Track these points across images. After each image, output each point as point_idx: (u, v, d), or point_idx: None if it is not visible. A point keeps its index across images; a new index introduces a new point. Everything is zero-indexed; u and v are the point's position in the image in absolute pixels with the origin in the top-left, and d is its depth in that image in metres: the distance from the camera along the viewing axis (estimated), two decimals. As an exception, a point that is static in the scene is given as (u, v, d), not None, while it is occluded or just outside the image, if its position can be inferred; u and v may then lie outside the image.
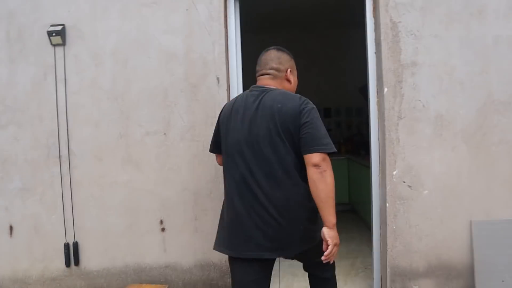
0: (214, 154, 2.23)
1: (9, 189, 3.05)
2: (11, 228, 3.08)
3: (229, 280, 2.86)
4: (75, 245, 2.98)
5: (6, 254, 3.09)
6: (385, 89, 2.75)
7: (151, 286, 2.78)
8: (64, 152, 3.00)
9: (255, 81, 2.11)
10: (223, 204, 2.06)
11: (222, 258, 2.87)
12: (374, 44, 2.87)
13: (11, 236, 3.07)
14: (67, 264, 3.00)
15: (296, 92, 2.07)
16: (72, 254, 2.99)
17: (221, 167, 2.06)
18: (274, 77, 1.99)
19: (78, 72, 3.01)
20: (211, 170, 2.86)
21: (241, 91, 3.05)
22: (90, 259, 2.99)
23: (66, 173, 2.99)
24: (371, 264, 3.00)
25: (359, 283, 3.32)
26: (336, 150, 1.83)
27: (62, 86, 3.01)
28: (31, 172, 3.04)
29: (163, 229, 2.93)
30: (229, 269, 1.99)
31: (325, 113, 6.74)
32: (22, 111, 3.05)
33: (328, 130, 1.95)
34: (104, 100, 2.99)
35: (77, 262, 2.99)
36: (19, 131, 3.06)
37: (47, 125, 3.02)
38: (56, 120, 3.00)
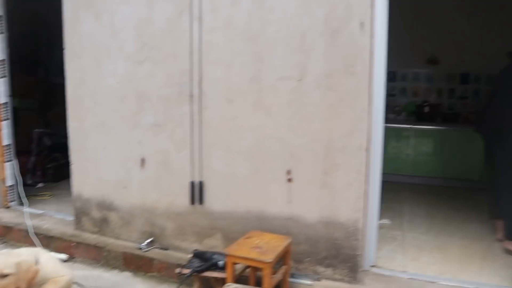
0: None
1: (143, 124, 3.65)
2: (143, 160, 3.71)
3: (354, 242, 3.15)
4: (201, 184, 3.51)
5: (138, 185, 3.76)
6: None
7: (274, 236, 3.20)
8: (196, 91, 3.45)
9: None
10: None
11: (350, 218, 3.15)
12: None
13: (142, 168, 3.71)
14: (192, 201, 3.55)
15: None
16: (197, 192, 3.53)
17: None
18: None
19: (213, 10, 3.37)
20: (347, 123, 3.08)
21: (385, 39, 3.15)
22: (214, 200, 3.50)
23: (197, 113, 3.46)
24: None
25: (497, 271, 3.40)
26: None
27: (197, 24, 3.40)
28: (163, 109, 3.57)
29: (289, 180, 3.29)
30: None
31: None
32: (157, 48, 3.54)
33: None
34: (237, 40, 3.32)
35: (201, 201, 3.52)
36: (154, 68, 3.58)
37: (180, 64, 3.49)
38: (189, 59, 3.43)
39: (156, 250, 3.83)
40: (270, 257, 2.79)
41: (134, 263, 3.75)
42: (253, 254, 2.83)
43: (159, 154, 3.65)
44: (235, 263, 2.90)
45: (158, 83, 3.59)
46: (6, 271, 1.78)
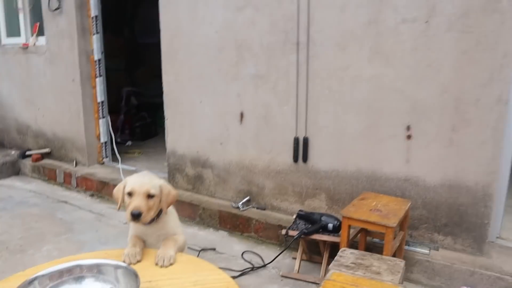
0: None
1: (243, 75, 3.61)
2: (241, 115, 3.69)
3: (482, 210, 2.91)
4: (305, 140, 3.41)
5: (236, 140, 3.76)
6: None
7: (391, 199, 3.05)
8: (303, 38, 3.33)
9: None
10: None
11: (479, 182, 2.91)
12: None
13: (241, 123, 3.70)
14: (295, 159, 3.48)
15: None
16: (301, 149, 3.45)
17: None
18: None
19: None
20: (484, 72, 2.80)
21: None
22: (319, 158, 3.41)
23: (303, 62, 3.34)
24: None
25: None
26: None
27: (306, -39, 3.23)
28: (266, 58, 3.49)
29: (408, 137, 3.09)
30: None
31: None
32: (260, -9, 3.44)
33: None
34: (353, -22, 3.11)
35: (305, 159, 3.44)
36: (256, 14, 3.49)
37: (285, 8, 3.36)
38: (296, 2, 3.29)
39: (253, 209, 3.85)
40: (393, 221, 2.66)
41: (230, 222, 3.80)
42: (373, 217, 2.72)
43: (260, 108, 3.61)
44: (350, 227, 2.80)
45: (260, 31, 3.51)
46: (152, 191, 1.85)
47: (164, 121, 4.22)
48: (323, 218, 3.11)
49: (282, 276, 3.17)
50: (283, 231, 3.12)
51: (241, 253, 3.50)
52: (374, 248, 3.23)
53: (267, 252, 3.51)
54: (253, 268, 3.25)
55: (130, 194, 1.82)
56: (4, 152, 5.70)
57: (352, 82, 3.23)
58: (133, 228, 2.03)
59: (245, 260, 3.38)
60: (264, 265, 3.29)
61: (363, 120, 3.24)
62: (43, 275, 1.39)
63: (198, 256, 3.41)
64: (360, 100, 3.22)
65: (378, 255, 2.62)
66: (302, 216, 3.22)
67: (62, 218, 4.11)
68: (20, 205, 4.44)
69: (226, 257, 3.45)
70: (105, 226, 3.99)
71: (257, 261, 3.39)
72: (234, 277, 3.10)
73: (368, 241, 3.30)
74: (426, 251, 3.18)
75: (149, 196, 1.81)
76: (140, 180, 1.84)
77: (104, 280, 1.49)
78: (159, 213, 1.99)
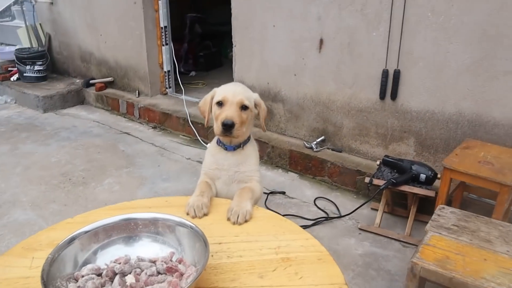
0: None
1: (325, -6, 3.03)
2: (321, 41, 3.17)
3: None
4: (396, 74, 2.87)
5: (312, 72, 3.28)
6: None
7: (503, 149, 2.53)
8: None
9: None
10: None
11: None
12: None
13: (319, 52, 3.18)
14: (381, 96, 2.96)
15: None
16: (390, 84, 2.93)
17: None
18: None
19: None
20: None
21: None
22: (411, 96, 2.88)
23: (401, -23, 2.71)
24: None
25: None
26: None
27: None
28: (354, -27, 2.88)
29: (533, 72, 2.44)
30: None
31: None
32: None
33: None
34: None
35: (394, 96, 2.92)
36: None
37: None
38: None
39: (328, 151, 3.43)
40: (511, 179, 2.13)
41: (302, 164, 3.42)
42: (484, 172, 2.21)
43: (343, 33, 3.07)
44: (451, 180, 2.31)
45: None
46: (246, 102, 1.60)
47: (229, 52, 3.78)
48: (414, 167, 2.64)
49: (361, 229, 2.79)
50: (367, 179, 2.69)
51: (313, 199, 3.14)
52: (471, 205, 2.73)
53: (342, 200, 3.13)
54: (328, 218, 2.89)
55: (220, 103, 1.62)
56: (69, 80, 5.60)
57: (463, 1, 2.58)
58: (207, 162, 1.80)
59: (318, 208, 3.03)
60: (341, 216, 2.91)
61: (472, 51, 2.63)
62: (86, 232, 1.07)
63: (266, 199, 3.08)
64: (472, 25, 2.58)
65: (486, 218, 2.15)
66: (388, 163, 2.76)
67: (124, 150, 3.93)
68: (83, 135, 4.32)
69: (297, 202, 3.11)
70: (167, 160, 3.76)
71: (331, 210, 3.02)
72: (306, 227, 2.76)
73: (465, 197, 2.80)
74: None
75: (243, 107, 1.60)
76: (233, 88, 1.63)
77: (163, 242, 1.15)
78: (246, 141, 1.75)
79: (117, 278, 1.05)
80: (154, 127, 4.58)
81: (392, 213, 2.97)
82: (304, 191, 3.27)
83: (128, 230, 1.16)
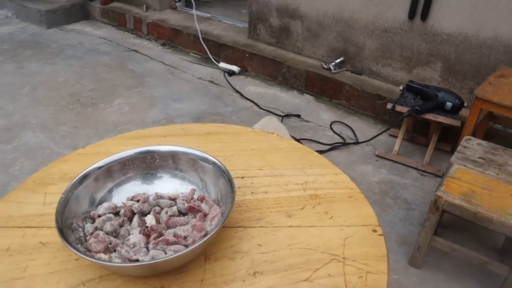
0: None
1: None
2: (347, -48, 2.85)
3: None
4: (429, -9, 2.61)
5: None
6: None
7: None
8: None
9: None
10: None
11: None
12: None
13: (344, -36, 2.88)
14: (411, 15, 2.74)
15: None
16: (421, 3, 2.66)
17: None
18: None
19: None
20: None
21: None
22: (444, 16, 2.65)
23: None
24: None
25: None
26: None
27: None
28: None
29: None
30: None
31: None
32: None
33: None
34: None
35: (424, 16, 2.69)
36: None
37: None
38: None
39: (347, 73, 3.26)
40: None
41: (318, 86, 3.27)
42: (522, 103, 2.06)
43: None
44: (481, 111, 2.17)
45: None
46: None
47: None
48: (440, 94, 2.49)
49: (378, 156, 2.71)
50: (389, 105, 2.55)
51: (329, 123, 3.04)
52: (496, 136, 2.62)
53: (359, 125, 3.02)
54: (344, 143, 2.80)
55: None
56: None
57: None
58: None
59: (334, 132, 2.94)
60: (358, 142, 2.82)
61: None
62: (99, 168, 0.97)
63: (281, 122, 2.98)
64: None
65: (515, 151, 2.04)
66: (412, 89, 2.61)
67: (133, 69, 3.78)
68: (90, 53, 4.13)
69: (312, 126, 3.01)
70: (178, 80, 3.62)
71: (347, 135, 2.93)
72: (321, 152, 2.68)
73: (490, 127, 2.68)
74: None
75: None
76: None
77: (183, 178, 1.06)
78: None
79: (136, 218, 0.97)
80: (164, 44, 4.37)
81: (411, 141, 2.87)
82: (320, 115, 3.16)
83: (145, 164, 1.06)
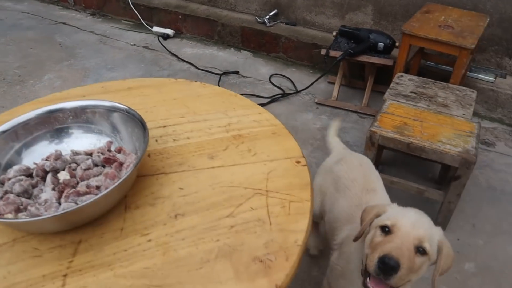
0: None
1: None
2: None
3: None
4: None
5: None
6: None
7: (463, 12, 2.48)
8: None
9: None
10: None
11: None
12: None
13: None
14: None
15: None
16: None
17: None
18: None
19: None
20: None
21: None
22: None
23: None
24: None
25: None
26: None
27: None
28: None
29: None
30: None
31: None
32: None
33: None
34: None
35: (350, -42, 2.65)
36: None
37: None
38: None
39: (282, 25, 3.23)
40: (471, 42, 2.08)
41: (255, 41, 3.22)
42: (445, 36, 2.12)
43: None
44: (411, 47, 2.21)
45: None
46: (427, 244, 0.95)
47: None
48: (371, 36, 2.51)
49: (318, 103, 2.73)
50: (323, 51, 2.55)
51: (268, 76, 3.01)
52: (428, 73, 2.69)
53: (299, 75, 3.02)
54: (284, 94, 2.80)
55: (386, 229, 0.99)
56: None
57: None
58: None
59: (274, 85, 2.92)
60: (297, 91, 2.82)
61: None
62: (4, 132, 0.90)
63: (219, 81, 2.93)
64: None
65: (443, 83, 2.11)
66: (345, 33, 2.61)
67: (62, 42, 3.57)
68: (13, 29, 3.85)
69: (251, 81, 2.98)
70: (110, 49, 3.46)
71: (287, 86, 2.92)
72: (262, 105, 2.66)
73: (422, 65, 2.74)
74: (491, 78, 2.65)
75: (419, 250, 0.95)
76: (414, 217, 0.99)
77: (99, 132, 1.01)
78: None
79: (49, 176, 0.92)
80: (93, 14, 4.15)
81: (349, 86, 2.91)
82: (258, 69, 3.13)
83: (56, 123, 1.00)
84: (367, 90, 2.63)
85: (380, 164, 2.23)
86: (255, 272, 0.76)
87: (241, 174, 0.97)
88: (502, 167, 2.34)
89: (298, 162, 1.00)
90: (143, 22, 3.75)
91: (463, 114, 1.92)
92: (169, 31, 3.60)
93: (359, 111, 2.62)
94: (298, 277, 1.68)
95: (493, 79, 2.64)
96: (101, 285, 0.74)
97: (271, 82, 2.94)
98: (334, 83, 2.74)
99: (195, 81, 1.36)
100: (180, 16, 3.53)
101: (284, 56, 3.15)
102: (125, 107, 0.98)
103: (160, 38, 3.59)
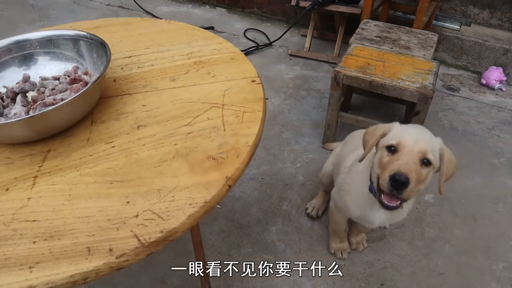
0: None
1: None
2: None
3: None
4: None
5: None
6: None
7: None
8: None
9: None
10: None
11: None
12: None
13: None
14: None
15: None
16: None
17: None
18: None
19: None
20: None
21: None
22: None
23: None
24: None
25: None
26: None
27: None
28: None
29: None
30: None
31: None
32: None
33: None
34: None
35: None
36: None
37: None
38: None
39: (256, -19, 3.22)
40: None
41: (229, -3, 3.23)
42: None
43: None
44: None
45: None
46: (430, 156, 1.08)
47: None
48: (340, -15, 2.55)
49: (291, 54, 2.79)
50: (294, 1, 2.60)
51: (243, 31, 3.05)
52: (396, 23, 2.75)
53: (273, 30, 3.06)
54: (258, 47, 2.85)
55: (392, 149, 1.10)
56: None
57: None
58: (349, 209, 1.35)
59: (248, 39, 2.97)
60: (270, 43, 2.88)
61: None
62: None
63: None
64: None
65: (407, 28, 2.19)
66: (315, -16, 2.64)
67: (34, 3, 3.54)
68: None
69: (227, 36, 3.02)
70: (84, 9, 3.45)
71: (261, 40, 2.97)
72: (236, 58, 2.71)
73: (391, 15, 2.80)
74: (456, 26, 2.73)
75: (424, 161, 1.07)
76: (415, 132, 1.10)
77: (66, 59, 1.07)
78: None
79: (19, 97, 0.98)
80: (65, -26, 4.08)
81: (321, 38, 2.96)
82: (233, 25, 3.16)
83: (23, 51, 1.05)
84: (338, 40, 2.69)
85: (349, 109, 2.32)
86: (208, 167, 0.84)
87: (200, 92, 1.05)
88: (465, 109, 2.45)
89: (253, 81, 1.08)
90: (117, -19, 3.72)
91: (424, 55, 2.00)
92: (140, -8, 3.59)
93: (330, 61, 2.69)
94: (301, 230, 1.79)
95: (458, 27, 2.72)
96: (68, 182, 0.82)
97: (245, 36, 2.98)
98: (307, 36, 2.80)
99: (160, 18, 1.40)
100: (153, -26, 3.50)
101: (258, 11, 3.18)
102: (88, 33, 1.04)
103: (135, -2, 3.58)
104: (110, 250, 0.69)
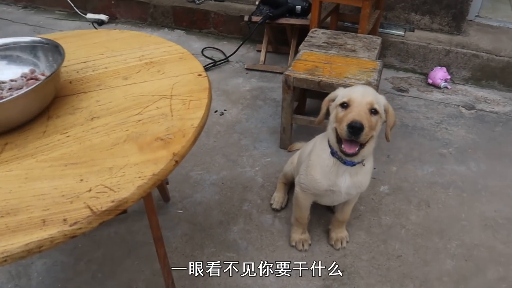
0: None
1: None
2: None
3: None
4: None
5: None
6: None
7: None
8: None
9: None
10: None
11: None
12: None
13: None
14: None
15: None
16: None
17: None
18: None
19: None
20: None
21: None
22: None
23: None
24: None
25: None
26: None
27: None
28: None
29: None
30: None
31: None
32: None
33: None
34: None
35: None
36: None
37: None
38: None
39: (211, 1, 3.40)
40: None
41: (186, 19, 3.38)
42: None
43: None
44: (321, 4, 2.42)
45: None
46: (376, 106, 1.30)
47: None
48: (289, 0, 2.71)
49: (247, 68, 2.92)
50: (246, 17, 2.74)
51: (201, 50, 3.16)
52: (345, 31, 2.93)
53: (229, 47, 3.19)
54: (216, 63, 2.96)
55: (345, 105, 1.31)
56: None
57: None
58: (315, 180, 1.47)
59: (206, 57, 3.08)
60: (227, 58, 3.00)
61: None
62: None
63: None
64: None
65: (353, 33, 2.35)
66: (267, 1, 2.80)
67: (-7, 32, 3.56)
68: None
69: (186, 55, 3.11)
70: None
71: (219, 57, 3.09)
72: (196, 74, 2.81)
73: (339, 26, 2.98)
74: (401, 32, 2.93)
75: (372, 111, 1.29)
76: (361, 89, 1.33)
77: (22, 62, 1.13)
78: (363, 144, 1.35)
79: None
80: (25, 7, 4.14)
81: (276, 52, 3.11)
82: (191, 45, 3.28)
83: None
84: (291, 52, 2.84)
85: (305, 114, 2.44)
86: (156, 147, 0.92)
87: (150, 87, 1.13)
88: (414, 107, 2.61)
89: (199, 75, 1.17)
90: (76, 10, 3.80)
91: (368, 55, 2.15)
92: (103, 17, 3.68)
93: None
94: (262, 228, 1.86)
95: (403, 33, 2.91)
96: (24, 168, 0.88)
97: (203, 54, 3.10)
98: (261, 50, 2.93)
99: (114, 30, 1.49)
100: (113, 2, 3.61)
101: (215, 31, 3.31)
102: (43, 38, 1.11)
103: (95, 24, 3.66)
104: (64, 220, 0.75)
